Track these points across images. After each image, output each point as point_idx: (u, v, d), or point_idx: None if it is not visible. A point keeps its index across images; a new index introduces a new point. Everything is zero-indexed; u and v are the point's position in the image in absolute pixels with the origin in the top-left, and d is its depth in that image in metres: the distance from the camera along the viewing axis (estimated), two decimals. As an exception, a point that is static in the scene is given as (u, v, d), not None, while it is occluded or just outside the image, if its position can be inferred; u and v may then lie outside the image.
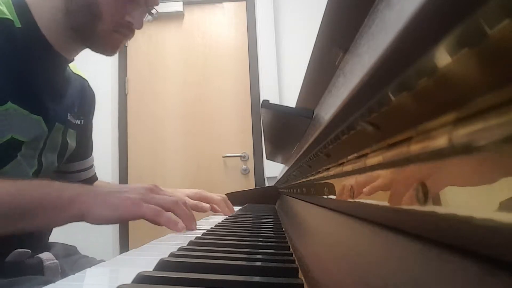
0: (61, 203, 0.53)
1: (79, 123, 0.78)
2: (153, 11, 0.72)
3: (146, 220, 0.54)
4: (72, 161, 0.82)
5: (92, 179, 0.90)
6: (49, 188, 0.55)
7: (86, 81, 0.84)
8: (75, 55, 0.72)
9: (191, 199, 0.88)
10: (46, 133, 0.65)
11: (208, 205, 0.87)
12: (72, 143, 0.75)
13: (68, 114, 0.73)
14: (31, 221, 0.52)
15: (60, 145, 0.71)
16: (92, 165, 0.90)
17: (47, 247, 0.73)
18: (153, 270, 0.30)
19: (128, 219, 0.53)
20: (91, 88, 0.85)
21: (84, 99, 0.81)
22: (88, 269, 0.32)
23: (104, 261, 0.37)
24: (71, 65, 0.76)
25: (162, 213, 0.53)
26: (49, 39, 0.64)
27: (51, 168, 0.70)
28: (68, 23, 0.64)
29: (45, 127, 0.65)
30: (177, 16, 2.35)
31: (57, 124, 0.68)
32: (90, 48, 0.69)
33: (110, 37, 0.66)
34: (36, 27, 0.63)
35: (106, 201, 0.53)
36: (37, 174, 0.66)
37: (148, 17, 0.72)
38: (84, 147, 0.84)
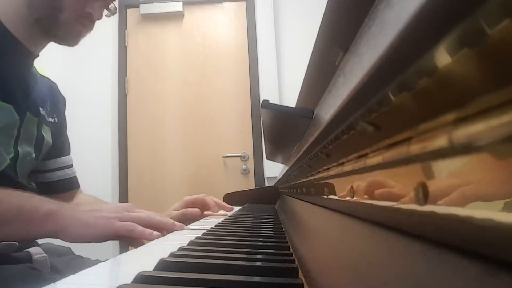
0: (37, 217, 0.53)
1: (53, 121, 0.80)
2: (111, 6, 0.75)
3: (121, 237, 0.54)
4: (49, 158, 0.83)
5: (72, 181, 0.89)
6: (28, 200, 0.55)
7: (55, 84, 0.86)
8: (40, 50, 0.74)
9: (182, 206, 0.87)
10: (18, 121, 0.67)
11: (197, 209, 0.85)
12: (48, 138, 0.77)
13: (40, 108, 0.74)
14: (6, 230, 0.52)
15: (36, 137, 0.73)
16: (71, 165, 0.90)
17: (36, 242, 0.73)
18: (153, 270, 0.30)
19: (103, 238, 0.54)
20: (60, 92, 0.88)
21: (56, 100, 0.84)
22: (88, 269, 0.32)
23: (99, 261, 0.37)
24: (37, 67, 0.78)
25: (135, 227, 0.54)
26: (13, 32, 0.66)
27: (29, 159, 0.71)
28: (31, 16, 0.66)
29: (17, 115, 0.66)
30: (177, 16, 2.35)
31: (28, 114, 0.70)
32: (53, 40, 0.71)
33: (72, 28, 0.69)
34: None
35: (81, 220, 0.54)
36: (15, 161, 0.67)
37: (106, 13, 0.75)
38: (60, 145, 0.86)
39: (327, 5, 0.29)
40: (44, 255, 0.64)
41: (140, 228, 0.54)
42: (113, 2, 0.76)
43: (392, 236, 0.17)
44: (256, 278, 0.27)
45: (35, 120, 0.72)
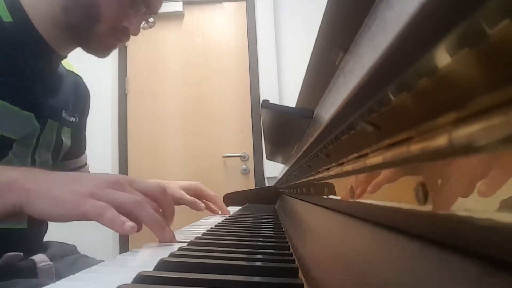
0: None
1: (74, 120, 0.77)
2: (150, 19, 0.71)
3: (91, 220, 0.41)
4: (66, 159, 0.81)
5: None
6: None
7: (81, 78, 0.83)
8: (69, 52, 0.72)
9: (187, 192, 0.87)
10: (38, 130, 0.64)
11: (203, 205, 0.85)
12: (67, 141, 0.74)
13: (63, 111, 0.72)
14: None
15: (54, 142, 0.70)
16: (86, 163, 0.89)
17: (42, 247, 0.72)
18: (153, 270, 0.30)
19: (70, 218, 0.42)
20: (85, 85, 0.85)
21: (79, 96, 0.80)
22: (87, 269, 0.32)
23: (104, 261, 0.37)
24: (63, 61, 0.75)
25: (105, 210, 0.41)
26: (43, 34, 0.64)
27: (45, 166, 0.69)
28: (64, 21, 0.63)
29: (37, 123, 0.63)
30: (177, 16, 2.35)
31: (50, 121, 0.67)
32: (82, 47, 0.68)
33: (105, 40, 0.66)
34: (28, 21, 0.62)
35: (49, 193, 0.42)
36: None
37: (144, 25, 0.72)
38: (79, 145, 0.84)
39: (327, 5, 0.29)
40: (49, 263, 0.61)
41: (112, 214, 0.40)
42: (153, 17, 0.71)
43: (392, 236, 0.17)
44: (256, 278, 0.27)
45: (56, 124, 0.69)
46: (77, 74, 0.81)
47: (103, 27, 0.63)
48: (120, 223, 0.40)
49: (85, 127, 0.87)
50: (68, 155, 0.80)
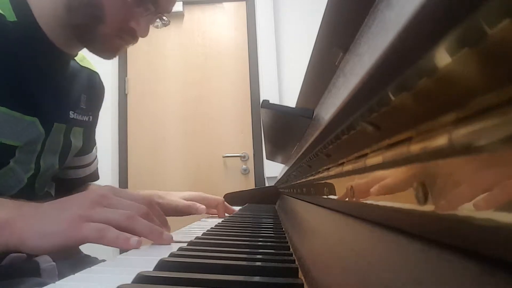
0: None
1: (87, 119, 0.74)
2: (164, 18, 0.68)
3: (91, 243, 0.42)
4: (76, 156, 0.78)
5: (91, 177, 0.86)
6: None
7: (97, 74, 0.80)
8: (77, 51, 0.70)
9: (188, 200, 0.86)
10: (43, 135, 0.62)
11: (203, 206, 0.84)
12: (76, 142, 0.72)
13: (71, 112, 0.69)
14: None
15: (61, 146, 0.68)
16: (93, 161, 0.86)
17: None
18: (153, 270, 0.30)
19: (68, 246, 0.42)
20: (101, 81, 0.82)
21: (93, 93, 0.78)
22: (88, 269, 0.32)
23: (105, 261, 0.37)
24: (78, 58, 0.73)
25: (106, 231, 0.41)
26: (48, 35, 0.61)
27: (50, 171, 0.67)
28: (67, 20, 0.60)
29: (42, 129, 0.61)
30: (177, 16, 2.35)
31: (55, 125, 0.65)
32: (87, 48, 0.66)
33: (110, 42, 0.63)
34: (34, 22, 0.60)
35: (35, 229, 0.42)
36: (33, 179, 0.64)
37: (158, 23, 0.69)
38: (88, 143, 0.81)
39: (327, 5, 0.29)
40: (52, 263, 0.60)
41: (113, 234, 0.41)
42: (166, 15, 0.67)
43: (392, 236, 0.17)
44: (256, 278, 0.27)
45: (63, 127, 0.67)
46: (92, 70, 0.79)
47: (107, 28, 0.61)
48: (125, 240, 0.42)
49: (96, 123, 0.84)
50: (80, 151, 0.77)
